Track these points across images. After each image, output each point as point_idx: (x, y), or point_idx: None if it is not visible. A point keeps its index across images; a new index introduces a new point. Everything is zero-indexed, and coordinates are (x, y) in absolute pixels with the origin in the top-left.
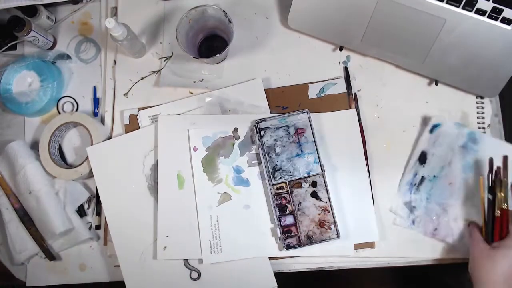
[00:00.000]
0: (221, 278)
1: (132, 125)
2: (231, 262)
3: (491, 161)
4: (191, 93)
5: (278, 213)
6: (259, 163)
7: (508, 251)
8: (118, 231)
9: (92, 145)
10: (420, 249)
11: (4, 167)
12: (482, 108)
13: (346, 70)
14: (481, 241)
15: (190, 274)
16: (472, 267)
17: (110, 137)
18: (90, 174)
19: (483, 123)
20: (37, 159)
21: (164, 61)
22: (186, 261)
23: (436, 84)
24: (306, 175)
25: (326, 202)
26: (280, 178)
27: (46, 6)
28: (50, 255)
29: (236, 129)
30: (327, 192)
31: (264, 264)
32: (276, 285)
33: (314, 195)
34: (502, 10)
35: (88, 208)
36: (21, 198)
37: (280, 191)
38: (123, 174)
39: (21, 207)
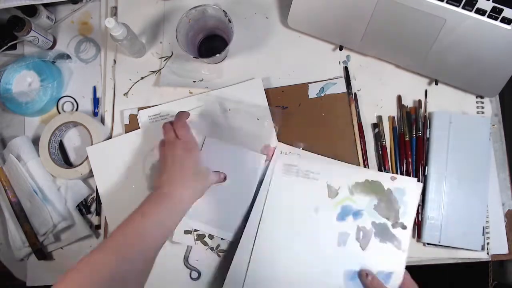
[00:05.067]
0: (221, 278)
1: (132, 125)
2: (230, 262)
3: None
4: (191, 92)
5: None
6: None
7: None
8: None
9: (92, 145)
10: (420, 249)
11: (8, 162)
12: (482, 108)
13: (346, 69)
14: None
15: (190, 274)
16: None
17: (110, 137)
18: (90, 174)
19: None
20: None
21: (164, 61)
22: (186, 261)
23: (436, 84)
24: None
25: None
26: None
27: (46, 5)
28: (41, 254)
29: None
30: None
31: None
32: None
33: None
34: (502, 10)
35: (89, 207)
36: (21, 194)
37: None
38: (123, 174)
39: (18, 202)
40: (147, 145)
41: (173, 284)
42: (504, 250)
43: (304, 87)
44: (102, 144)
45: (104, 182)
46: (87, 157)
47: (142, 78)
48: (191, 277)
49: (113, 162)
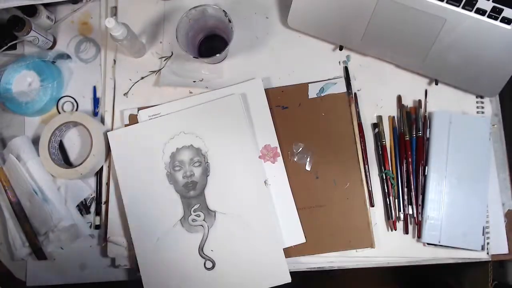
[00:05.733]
0: (235, 268)
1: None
2: (246, 253)
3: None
4: (191, 92)
5: None
6: None
7: None
8: (135, 216)
9: (92, 145)
10: (420, 249)
11: (7, 162)
12: (482, 108)
13: (346, 69)
14: None
15: (204, 264)
16: None
17: None
18: (90, 174)
19: None
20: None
21: (164, 60)
22: (201, 250)
23: (436, 84)
24: None
25: None
26: None
27: (46, 5)
28: (41, 254)
29: None
30: None
31: (279, 258)
32: (290, 280)
33: None
34: (502, 10)
35: (89, 207)
36: (21, 194)
37: None
38: (142, 160)
39: (18, 202)
40: (168, 133)
41: (187, 272)
42: (504, 250)
43: (304, 87)
44: (123, 130)
45: (123, 167)
46: (87, 157)
47: (142, 78)
48: (205, 267)
49: (133, 148)
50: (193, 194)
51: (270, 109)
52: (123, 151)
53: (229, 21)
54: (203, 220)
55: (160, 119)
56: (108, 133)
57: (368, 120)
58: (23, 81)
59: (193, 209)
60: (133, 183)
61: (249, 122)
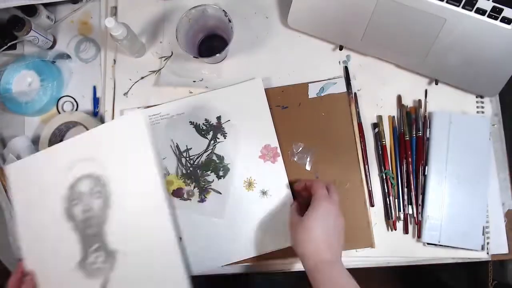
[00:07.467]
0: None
1: None
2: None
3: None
4: (191, 92)
5: None
6: None
7: (316, 213)
8: (33, 261)
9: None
10: (420, 249)
11: (7, 162)
12: (482, 107)
13: (346, 69)
14: (294, 215)
15: None
16: (294, 245)
17: None
18: None
19: None
20: None
21: (164, 60)
22: None
23: (436, 84)
24: None
25: None
26: None
27: (45, 5)
28: None
29: None
30: None
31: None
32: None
33: None
34: (502, 10)
35: None
36: None
37: None
38: (38, 195)
39: None
40: (65, 162)
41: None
42: (504, 250)
43: (304, 87)
44: (22, 161)
45: (21, 204)
46: None
47: (142, 78)
48: None
49: (30, 182)
50: (91, 232)
51: (270, 109)
52: (21, 186)
53: (229, 21)
54: (103, 262)
55: (57, 146)
56: (6, 166)
57: (368, 120)
58: (23, 81)
59: (92, 249)
60: (30, 221)
61: (153, 146)
